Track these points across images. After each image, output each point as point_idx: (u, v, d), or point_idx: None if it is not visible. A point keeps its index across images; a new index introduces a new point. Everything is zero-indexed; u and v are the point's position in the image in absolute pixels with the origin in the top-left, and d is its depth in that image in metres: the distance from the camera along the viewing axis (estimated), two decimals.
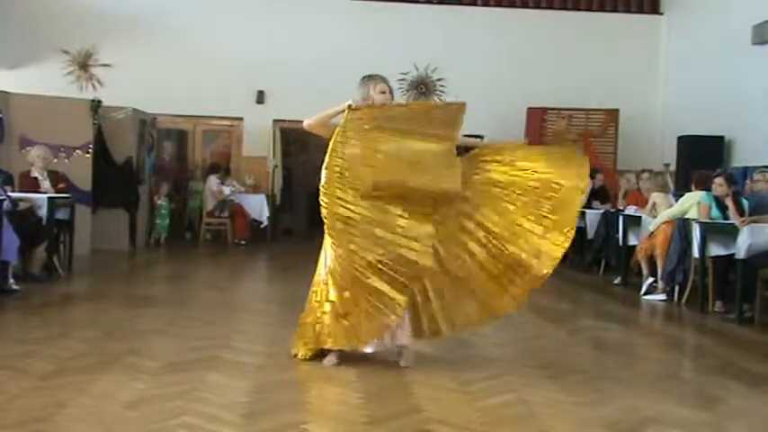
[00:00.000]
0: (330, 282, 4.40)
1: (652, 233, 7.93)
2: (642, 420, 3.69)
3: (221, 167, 12.62)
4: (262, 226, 12.66)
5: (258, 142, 13.37)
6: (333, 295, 4.38)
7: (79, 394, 3.72)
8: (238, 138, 13.62)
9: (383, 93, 4.56)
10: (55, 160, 8.65)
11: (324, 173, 4.38)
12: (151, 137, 11.87)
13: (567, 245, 4.39)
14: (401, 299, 4.31)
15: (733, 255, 6.69)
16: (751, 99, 10.54)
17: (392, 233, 4.30)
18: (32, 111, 9.61)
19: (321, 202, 4.39)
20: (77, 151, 9.83)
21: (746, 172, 9.71)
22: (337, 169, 4.34)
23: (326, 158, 4.38)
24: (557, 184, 4.42)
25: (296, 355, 4.59)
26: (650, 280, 7.96)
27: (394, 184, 4.31)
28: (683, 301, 7.47)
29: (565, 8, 13.75)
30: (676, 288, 7.59)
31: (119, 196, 10.60)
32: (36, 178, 8.08)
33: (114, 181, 10.46)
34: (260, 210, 12.48)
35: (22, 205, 7.22)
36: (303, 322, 4.58)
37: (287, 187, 15.08)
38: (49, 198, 7.57)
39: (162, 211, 11.84)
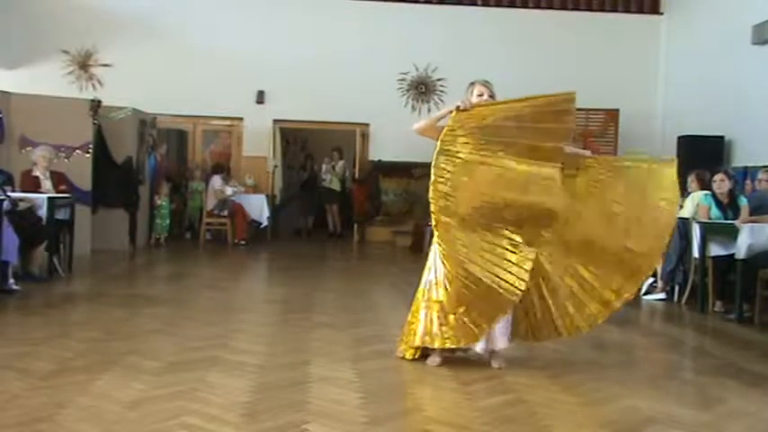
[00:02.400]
0: (436, 282, 4.48)
1: None
2: (642, 420, 3.70)
3: (224, 168, 12.62)
4: (261, 227, 12.66)
5: (258, 142, 13.39)
6: (440, 295, 4.46)
7: (79, 394, 3.72)
8: (238, 138, 13.63)
9: (480, 95, 4.64)
10: (55, 160, 8.65)
11: (432, 171, 4.50)
12: (151, 137, 11.87)
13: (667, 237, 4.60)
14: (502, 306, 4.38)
15: (733, 255, 6.70)
16: (751, 99, 10.54)
17: (498, 240, 4.39)
18: (32, 111, 9.61)
19: (430, 200, 4.49)
20: (77, 151, 9.83)
21: (746, 172, 9.71)
22: (444, 167, 4.45)
23: (434, 158, 4.48)
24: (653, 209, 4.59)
25: (402, 356, 4.66)
26: (650, 280, 7.95)
27: (496, 199, 4.40)
28: (683, 301, 7.48)
29: (565, 8, 13.76)
30: (676, 288, 7.59)
31: (119, 196, 10.60)
32: (38, 177, 8.08)
33: (114, 181, 10.46)
34: (260, 210, 12.48)
35: (22, 205, 7.21)
36: (410, 322, 4.65)
37: (309, 190, 15.04)
38: (49, 198, 7.57)
39: (162, 211, 11.84)
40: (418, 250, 11.70)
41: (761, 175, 7.88)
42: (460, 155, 4.43)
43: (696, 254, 7.18)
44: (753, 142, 10.53)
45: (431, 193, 4.48)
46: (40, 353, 4.53)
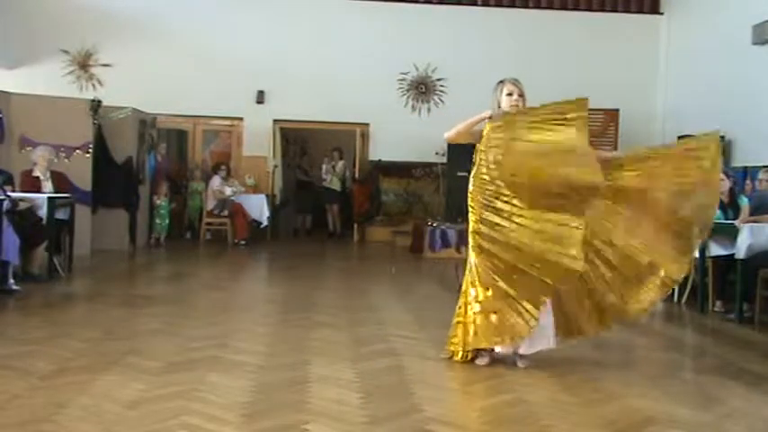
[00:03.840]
0: (477, 282, 4.53)
1: None
2: (642, 420, 3.70)
3: (224, 168, 12.61)
4: (261, 226, 12.66)
5: (258, 142, 13.39)
6: (480, 295, 4.51)
7: (79, 394, 3.73)
8: (238, 138, 13.63)
9: (509, 94, 4.69)
10: (55, 160, 8.65)
11: (471, 180, 4.60)
12: (151, 137, 11.87)
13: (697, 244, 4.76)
14: (535, 309, 4.42)
15: (733, 255, 6.69)
16: (751, 99, 10.54)
17: (541, 241, 4.41)
18: (32, 111, 9.62)
19: (469, 208, 4.58)
20: (77, 151, 9.83)
21: (746, 172, 9.71)
22: (484, 177, 4.52)
23: (474, 167, 4.59)
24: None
25: (450, 357, 4.68)
26: None
27: (535, 174, 4.43)
28: (683, 301, 7.48)
29: (565, 8, 13.76)
30: (676, 288, 7.58)
31: (119, 196, 10.60)
32: (38, 178, 8.07)
33: (114, 181, 10.46)
34: (260, 210, 12.48)
35: (22, 205, 7.21)
36: (455, 323, 4.69)
37: (307, 189, 14.97)
38: (49, 198, 7.56)
39: (161, 211, 11.84)
40: (418, 250, 11.71)
41: (761, 175, 7.88)
42: (495, 159, 4.51)
43: (696, 254, 7.17)
44: (753, 142, 10.53)
45: (470, 201, 4.55)
46: (40, 353, 4.53)
